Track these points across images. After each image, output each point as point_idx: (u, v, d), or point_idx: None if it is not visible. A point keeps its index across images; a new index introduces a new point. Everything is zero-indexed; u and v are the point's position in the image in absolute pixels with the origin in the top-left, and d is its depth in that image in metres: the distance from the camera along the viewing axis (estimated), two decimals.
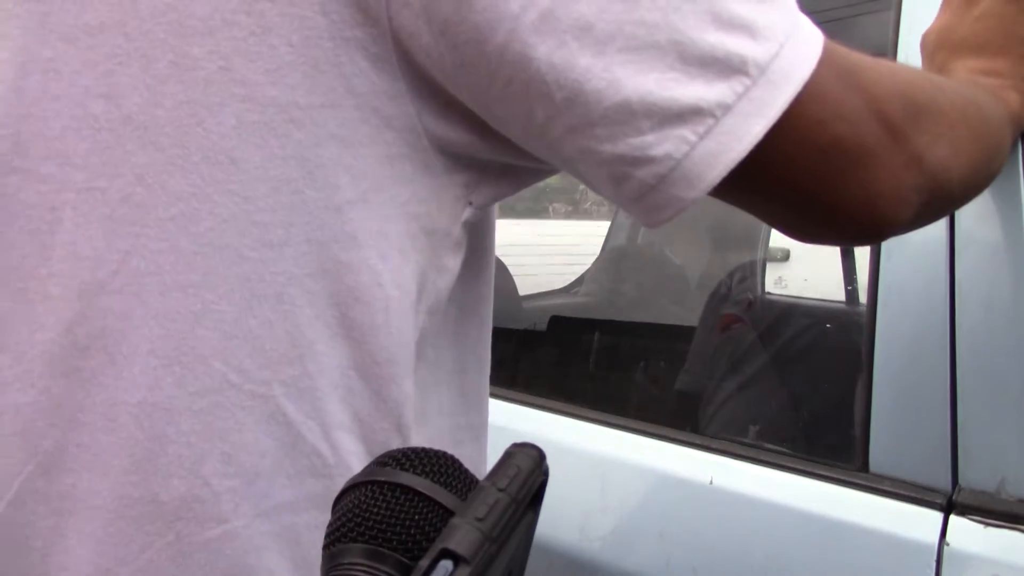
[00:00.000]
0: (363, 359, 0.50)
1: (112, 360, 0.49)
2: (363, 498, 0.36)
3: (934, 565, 0.75)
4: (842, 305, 1.56)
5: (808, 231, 0.54)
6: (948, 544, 0.76)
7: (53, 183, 0.49)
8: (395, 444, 0.53)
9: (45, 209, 0.49)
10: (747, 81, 0.45)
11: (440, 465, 0.38)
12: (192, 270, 0.48)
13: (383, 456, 0.38)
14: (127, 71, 0.48)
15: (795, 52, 0.46)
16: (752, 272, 1.59)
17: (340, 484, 0.49)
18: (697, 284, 1.69)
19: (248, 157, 0.48)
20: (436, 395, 0.58)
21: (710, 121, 0.45)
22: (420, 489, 0.36)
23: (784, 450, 0.98)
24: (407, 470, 0.37)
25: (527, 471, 0.36)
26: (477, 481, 0.37)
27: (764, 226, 1.91)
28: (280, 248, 0.48)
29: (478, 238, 0.59)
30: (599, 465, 1.05)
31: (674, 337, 1.45)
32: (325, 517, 0.49)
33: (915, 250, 0.84)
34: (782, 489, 0.90)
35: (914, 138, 0.50)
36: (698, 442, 1.00)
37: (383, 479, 0.36)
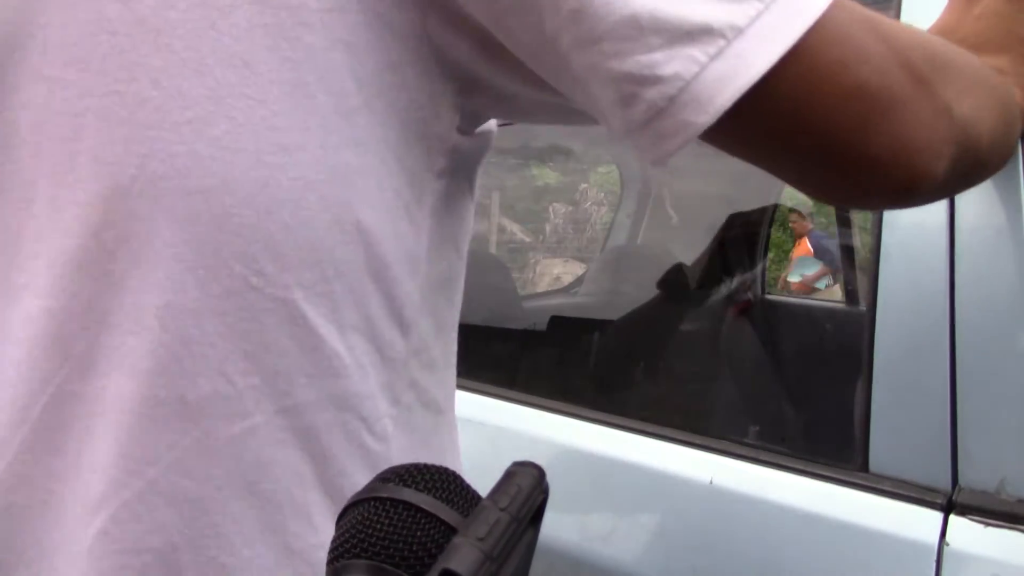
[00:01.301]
0: (374, 262, 0.52)
1: (137, 263, 0.49)
2: (367, 514, 0.37)
3: (934, 565, 0.75)
4: (842, 305, 1.57)
5: (836, 189, 0.52)
6: (948, 544, 0.76)
7: (75, 89, 0.50)
8: (399, 342, 0.55)
9: (70, 116, 0.50)
10: (759, 5, 0.45)
11: (442, 481, 0.38)
12: (210, 174, 0.49)
13: (386, 472, 0.39)
14: None
15: None
16: (752, 272, 1.59)
17: (356, 384, 0.52)
18: (697, 283, 1.69)
19: (261, 60, 0.48)
20: (456, 318, 0.61)
21: (721, 42, 0.44)
22: (423, 506, 0.36)
23: (784, 450, 0.98)
24: (410, 486, 0.37)
25: (528, 490, 0.37)
26: (479, 497, 0.37)
27: (765, 226, 1.91)
28: (296, 152, 0.49)
29: (457, 210, 0.60)
30: (599, 465, 1.05)
31: (674, 337, 1.45)
32: (343, 416, 0.52)
33: (915, 250, 0.84)
34: (782, 489, 0.90)
35: (940, 89, 0.49)
36: (698, 442, 1.00)
37: (386, 495, 0.37)
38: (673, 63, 0.45)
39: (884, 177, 0.48)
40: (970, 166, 0.54)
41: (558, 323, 1.74)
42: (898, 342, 0.84)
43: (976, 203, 0.79)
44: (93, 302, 0.50)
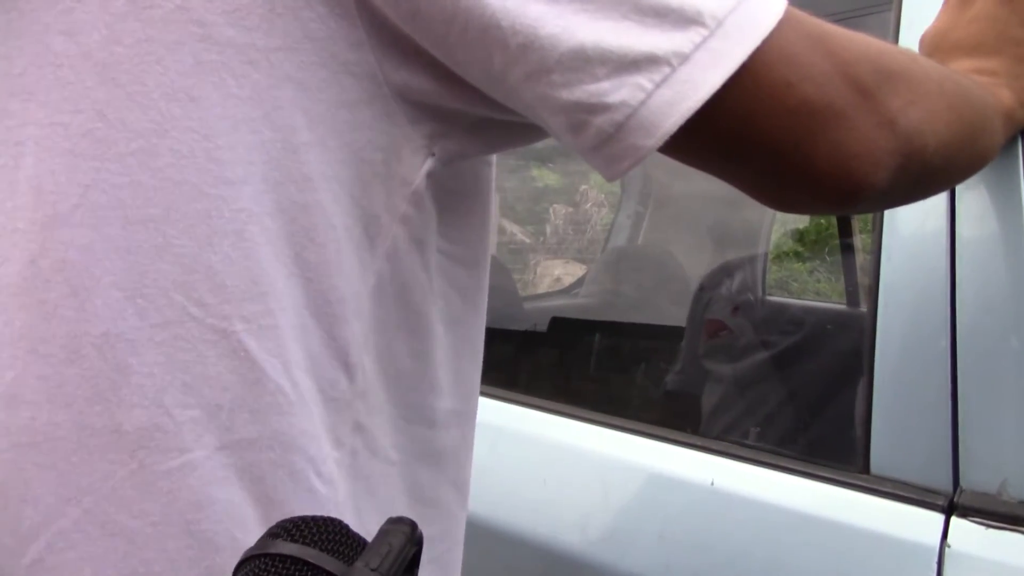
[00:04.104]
0: (316, 299, 0.52)
1: (74, 292, 0.49)
2: (257, 570, 0.40)
3: (935, 567, 0.75)
4: (842, 306, 1.56)
5: (783, 197, 0.54)
6: (949, 546, 0.76)
7: (18, 119, 0.50)
8: (343, 382, 0.54)
9: (11, 144, 0.50)
10: (704, 32, 0.46)
11: (327, 533, 0.41)
12: (152, 204, 0.49)
13: (275, 527, 0.42)
14: (86, 8, 0.49)
15: (754, 8, 0.47)
16: (752, 272, 1.59)
17: (302, 422, 0.52)
18: (698, 284, 1.68)
19: (206, 95, 0.48)
20: (431, 373, 0.59)
21: (666, 70, 0.46)
22: (308, 559, 0.40)
23: (785, 452, 0.98)
24: (296, 540, 0.41)
25: (398, 548, 0.40)
26: (365, 543, 0.41)
27: (766, 226, 1.91)
28: (239, 186, 0.49)
29: (473, 221, 0.60)
30: (600, 466, 1.05)
31: (675, 338, 1.45)
32: (290, 457, 0.51)
33: (915, 251, 0.83)
34: (783, 491, 0.90)
35: (886, 101, 0.51)
36: (699, 444, 1.00)
37: (275, 551, 0.40)
38: (620, 91, 0.46)
39: (826, 187, 0.50)
40: (918, 174, 0.55)
41: (559, 324, 1.73)
42: (899, 343, 0.83)
43: (977, 204, 0.79)
44: (24, 330, 0.50)
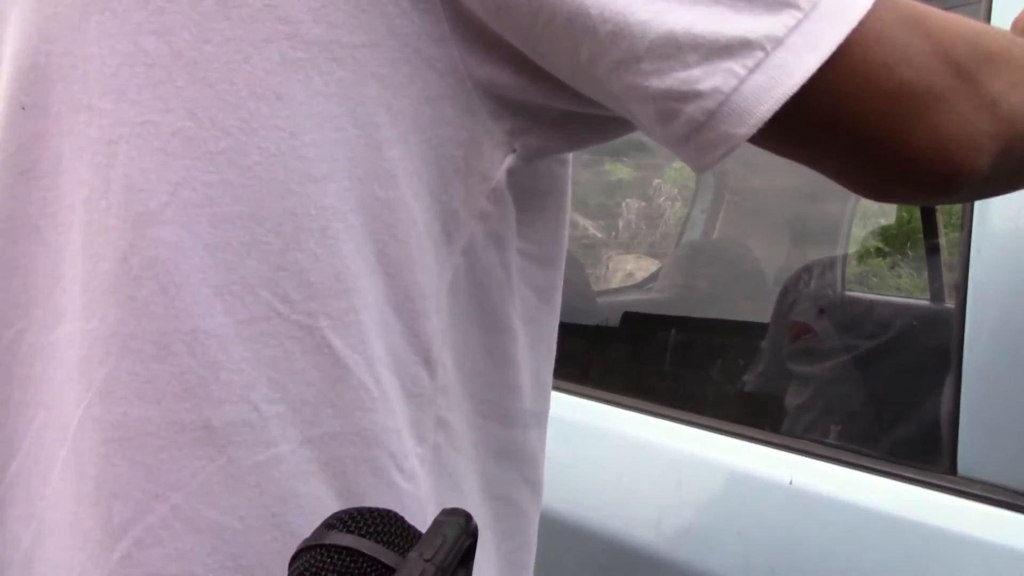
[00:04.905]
0: (397, 295, 0.52)
1: (164, 289, 0.50)
2: (313, 561, 0.41)
3: None
4: (928, 303, 1.52)
5: (879, 186, 0.53)
6: None
7: (111, 117, 0.51)
8: (425, 378, 0.54)
9: (104, 143, 0.52)
10: (798, 14, 0.45)
11: (383, 524, 0.42)
12: (240, 202, 0.50)
13: (331, 518, 0.43)
14: (176, 8, 0.50)
15: None
16: (833, 269, 1.56)
17: (384, 418, 0.52)
18: (775, 280, 1.66)
19: (293, 93, 0.49)
20: (506, 371, 0.59)
21: (759, 54, 0.45)
22: (364, 550, 0.41)
23: (867, 451, 0.95)
24: (352, 532, 0.41)
25: (453, 538, 0.41)
26: (419, 534, 0.41)
27: (846, 219, 1.87)
28: (325, 183, 0.50)
29: (549, 220, 0.59)
30: (675, 462, 1.04)
31: (750, 334, 1.43)
32: (371, 452, 0.51)
33: (1007, 246, 0.81)
34: (865, 491, 0.88)
35: (986, 83, 0.49)
36: (777, 441, 0.99)
37: (330, 542, 0.41)
38: (712, 78, 0.45)
39: (924, 173, 0.48)
40: (1020, 159, 0.53)
41: (632, 319, 1.72)
42: (988, 340, 0.81)
43: None
44: (116, 327, 0.51)
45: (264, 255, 0.50)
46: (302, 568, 0.41)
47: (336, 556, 0.41)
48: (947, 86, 0.47)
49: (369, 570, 0.40)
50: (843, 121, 0.48)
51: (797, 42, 0.45)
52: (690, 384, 1.42)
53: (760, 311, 1.54)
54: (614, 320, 1.74)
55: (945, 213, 1.59)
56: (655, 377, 1.49)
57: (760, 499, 0.95)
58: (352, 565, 0.40)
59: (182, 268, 0.50)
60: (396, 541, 0.41)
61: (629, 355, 1.60)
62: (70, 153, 0.53)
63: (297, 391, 0.51)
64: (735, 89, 0.45)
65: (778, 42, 0.45)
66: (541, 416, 0.64)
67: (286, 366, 0.50)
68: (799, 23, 0.45)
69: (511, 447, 0.61)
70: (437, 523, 0.41)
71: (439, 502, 0.54)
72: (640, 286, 2.28)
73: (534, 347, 0.61)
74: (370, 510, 0.43)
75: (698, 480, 1.01)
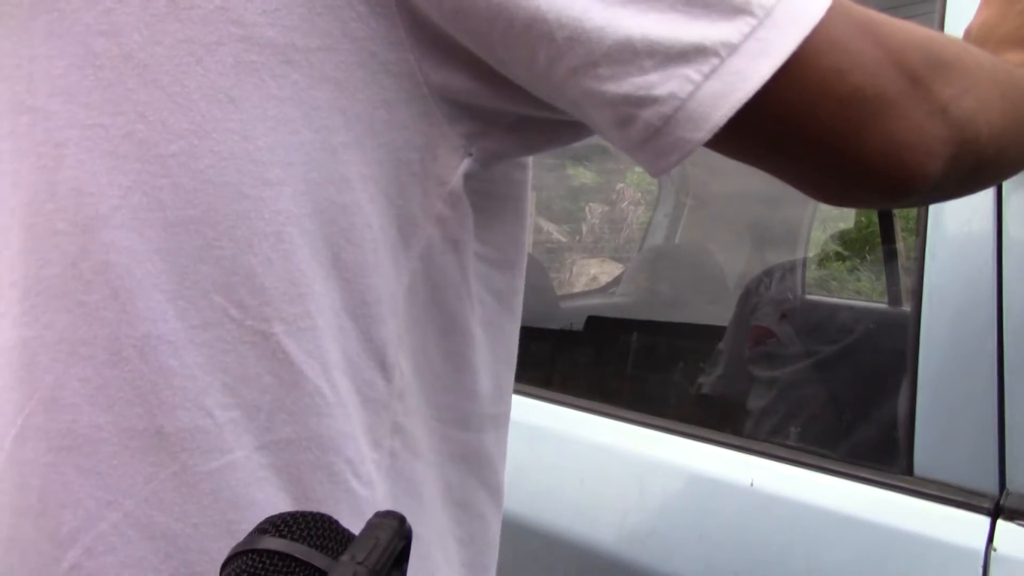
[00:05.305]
0: (353, 299, 0.52)
1: (115, 294, 0.49)
2: (244, 566, 0.41)
3: (981, 571, 0.74)
4: (884, 305, 1.54)
5: (834, 190, 0.53)
6: (995, 549, 0.74)
7: (58, 120, 0.50)
8: (381, 383, 0.53)
9: (51, 146, 0.51)
10: (752, 21, 0.45)
11: (315, 528, 0.42)
12: (193, 206, 0.49)
13: (263, 522, 0.42)
14: (127, 9, 0.49)
15: None
16: (793, 272, 1.57)
17: (340, 423, 0.51)
18: (736, 283, 1.67)
19: (246, 96, 0.48)
20: (464, 375, 0.59)
21: (715, 61, 0.45)
22: (295, 554, 0.40)
23: (826, 453, 0.96)
24: (284, 536, 0.41)
25: (386, 541, 0.40)
26: (353, 537, 0.41)
27: (805, 224, 1.89)
28: (278, 187, 0.49)
29: (508, 224, 0.59)
30: (637, 466, 1.04)
31: (713, 338, 1.44)
32: (327, 458, 0.51)
33: (961, 250, 0.82)
34: (824, 492, 0.89)
35: (937, 89, 0.50)
36: (738, 444, 0.99)
37: (262, 547, 0.41)
38: (668, 83, 0.45)
39: (877, 177, 0.49)
40: (973, 165, 0.54)
41: (596, 323, 1.73)
42: (944, 343, 0.82)
43: (1022, 203, 0.78)
44: (64, 333, 0.50)
45: (217, 260, 0.49)
46: (233, 574, 0.41)
47: (267, 561, 0.40)
48: (899, 92, 0.48)
49: (300, 574, 0.40)
50: (797, 126, 0.48)
51: (752, 48, 0.45)
52: (653, 387, 1.43)
53: (722, 315, 1.55)
54: (578, 324, 1.75)
55: (902, 218, 1.61)
56: (618, 380, 1.49)
57: (722, 501, 0.95)
58: (284, 569, 0.40)
59: (134, 273, 0.49)
60: (329, 544, 0.41)
61: (593, 359, 1.60)
62: (10, 155, 0.52)
63: (251, 397, 0.50)
64: (691, 95, 0.45)
65: (733, 48, 0.45)
66: (500, 420, 0.63)
67: (240, 372, 0.50)
68: (754, 29, 0.45)
69: (469, 451, 0.61)
70: (370, 525, 0.41)
71: (397, 508, 0.54)
72: (604, 290, 2.29)
73: (494, 351, 0.61)
74: (303, 514, 0.42)
75: (660, 482, 1.01)
